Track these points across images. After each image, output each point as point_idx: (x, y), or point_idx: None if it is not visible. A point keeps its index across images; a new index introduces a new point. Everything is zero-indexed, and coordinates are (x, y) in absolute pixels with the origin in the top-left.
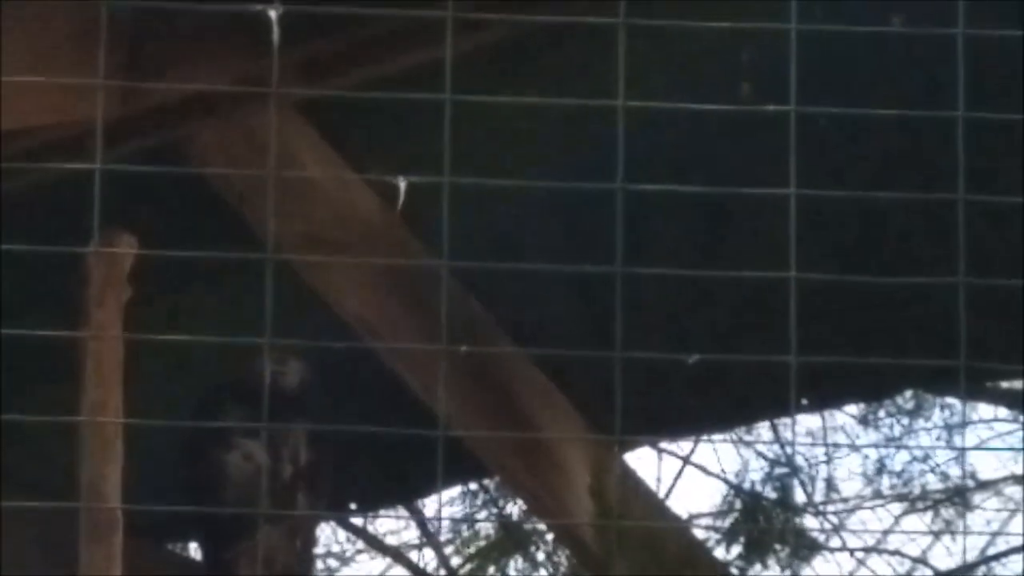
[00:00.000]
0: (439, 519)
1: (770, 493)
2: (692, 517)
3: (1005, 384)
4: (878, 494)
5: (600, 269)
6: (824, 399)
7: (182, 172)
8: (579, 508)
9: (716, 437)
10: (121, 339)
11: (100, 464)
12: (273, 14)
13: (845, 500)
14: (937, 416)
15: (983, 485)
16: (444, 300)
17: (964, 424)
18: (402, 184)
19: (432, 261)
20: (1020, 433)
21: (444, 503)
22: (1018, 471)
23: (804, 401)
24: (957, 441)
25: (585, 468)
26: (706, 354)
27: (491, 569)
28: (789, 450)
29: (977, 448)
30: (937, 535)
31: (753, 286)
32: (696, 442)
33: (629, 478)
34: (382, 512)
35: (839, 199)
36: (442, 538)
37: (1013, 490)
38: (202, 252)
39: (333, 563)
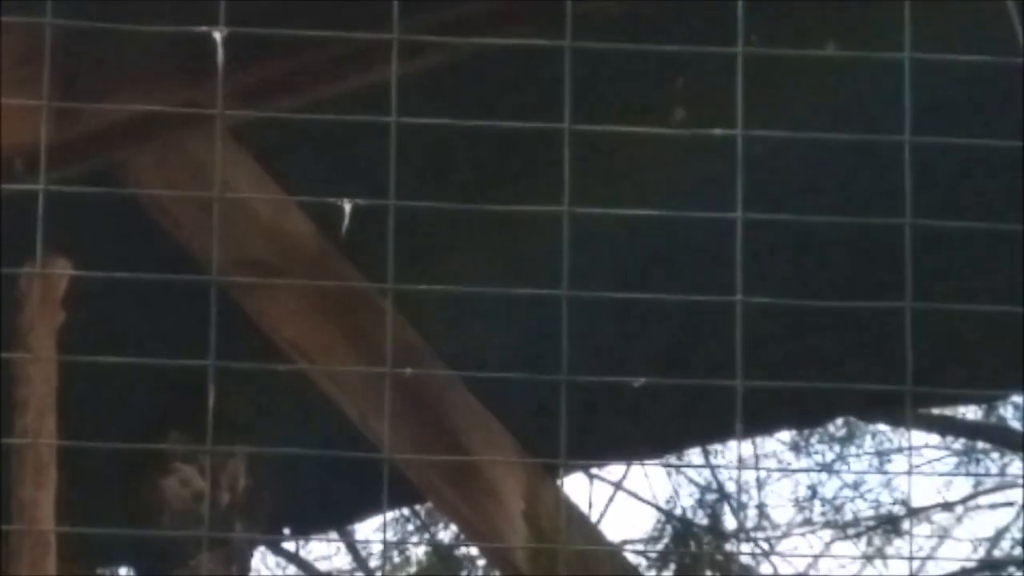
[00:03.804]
0: (384, 543)
1: (701, 519)
2: (623, 543)
3: (936, 411)
4: (809, 520)
5: (546, 292)
6: (757, 425)
7: (124, 193)
8: (513, 533)
9: (648, 463)
10: (55, 363)
11: (33, 489)
12: (218, 36)
13: (776, 527)
14: (868, 443)
15: (913, 512)
16: (390, 323)
17: (910, 449)
18: (347, 207)
19: (377, 284)
20: (950, 459)
21: (376, 529)
22: (950, 498)
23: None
24: (889, 468)
25: (519, 493)
26: (648, 378)
27: None
28: (723, 476)
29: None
30: (870, 559)
31: (687, 310)
32: (628, 468)
33: (563, 503)
34: (318, 537)
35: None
36: (373, 564)
37: (942, 517)
38: (146, 275)
39: None
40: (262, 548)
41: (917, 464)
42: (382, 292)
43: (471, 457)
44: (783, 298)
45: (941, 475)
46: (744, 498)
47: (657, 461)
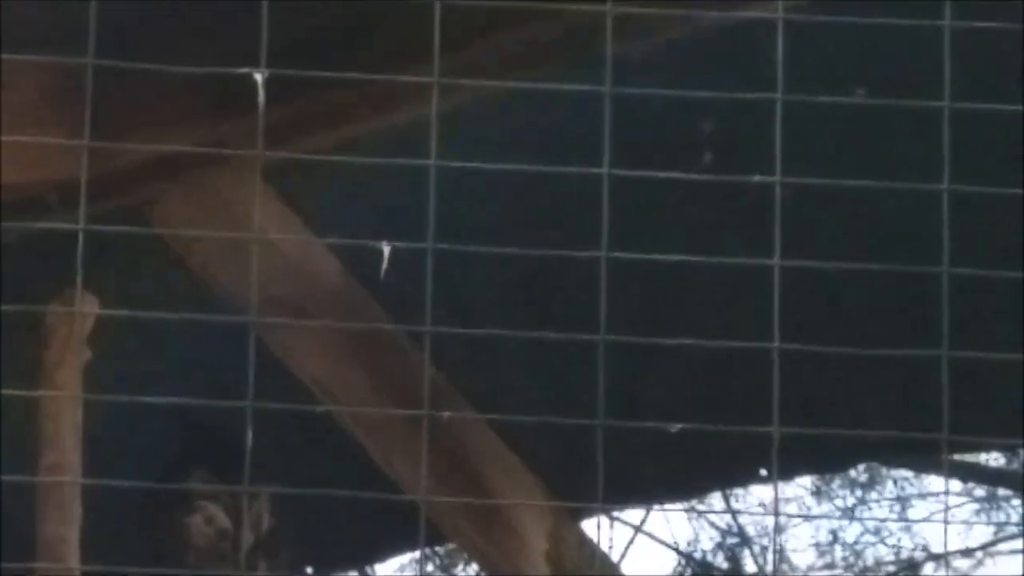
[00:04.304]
0: None
1: (721, 563)
2: None
3: (957, 457)
4: (830, 565)
5: (587, 338)
6: (780, 469)
7: (160, 233)
8: (535, 574)
9: (669, 507)
10: (81, 400)
11: (58, 526)
12: (259, 77)
13: (796, 571)
14: (890, 488)
15: (934, 558)
16: (427, 366)
17: (946, 495)
18: (386, 249)
19: (414, 327)
20: (969, 506)
21: (396, 570)
22: (971, 543)
23: (763, 472)
24: (910, 513)
25: (542, 534)
26: (684, 424)
27: None
28: (744, 520)
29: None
30: None
31: (707, 355)
32: (648, 510)
33: (586, 545)
34: None
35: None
36: None
37: (963, 563)
38: (183, 315)
39: None
40: None
41: (938, 511)
42: (410, 333)
43: (505, 501)
44: (813, 342)
45: (970, 522)
46: (766, 542)
47: (681, 505)
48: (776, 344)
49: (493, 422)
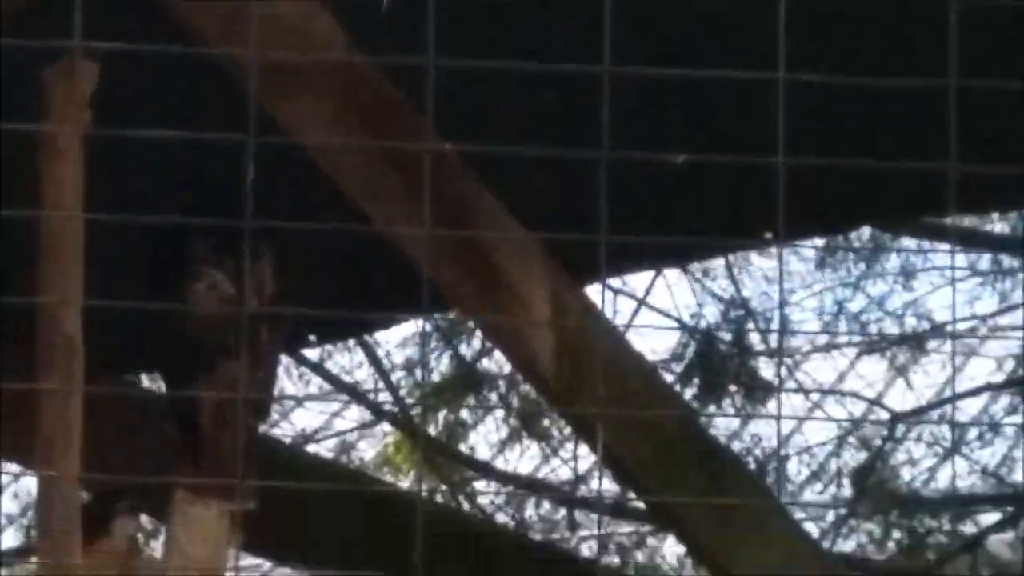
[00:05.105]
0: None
1: (725, 335)
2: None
3: (961, 223)
4: (834, 337)
5: (585, 69)
6: (785, 232)
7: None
8: (540, 341)
9: (672, 277)
10: (81, 163)
11: (59, 290)
12: None
13: (801, 343)
14: (894, 260)
15: (938, 328)
16: (429, 97)
17: (953, 241)
18: None
19: (417, 59)
20: (973, 279)
21: (398, 344)
22: (976, 315)
23: (768, 235)
24: (914, 285)
25: (545, 301)
26: (689, 155)
27: (444, 410)
28: (748, 291)
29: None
30: (899, 372)
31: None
32: (652, 282)
33: (590, 312)
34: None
35: None
36: (396, 377)
37: (968, 334)
38: (177, 47)
39: (287, 404)
40: (286, 359)
41: (942, 284)
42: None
43: (499, 234)
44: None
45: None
46: (770, 315)
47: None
48: (781, 74)
49: (496, 187)
